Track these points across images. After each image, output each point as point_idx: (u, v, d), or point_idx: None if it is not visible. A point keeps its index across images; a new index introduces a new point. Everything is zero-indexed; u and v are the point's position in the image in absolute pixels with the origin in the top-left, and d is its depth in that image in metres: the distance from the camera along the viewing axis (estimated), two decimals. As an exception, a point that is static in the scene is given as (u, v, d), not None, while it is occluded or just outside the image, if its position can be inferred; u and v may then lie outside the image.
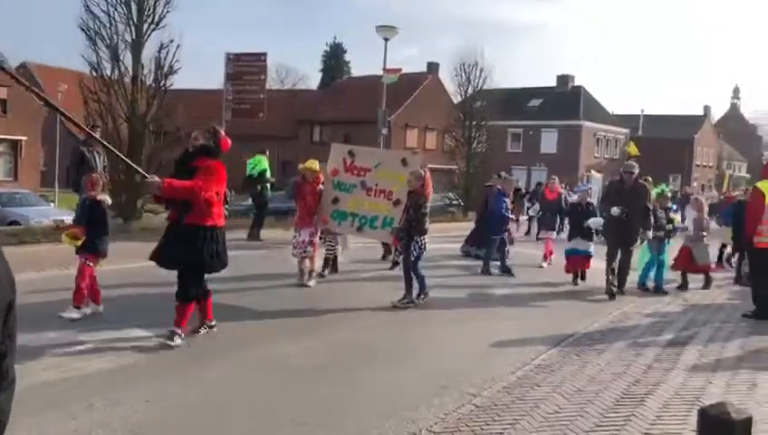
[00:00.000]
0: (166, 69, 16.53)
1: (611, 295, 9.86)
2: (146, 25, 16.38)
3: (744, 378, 6.09)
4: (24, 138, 36.32)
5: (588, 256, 11.25)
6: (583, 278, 11.37)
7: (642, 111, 59.86)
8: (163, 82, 16.66)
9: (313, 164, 10.06)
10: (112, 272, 9.34)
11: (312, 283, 9.84)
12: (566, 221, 13.78)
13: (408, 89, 40.76)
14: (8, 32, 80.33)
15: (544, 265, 13.20)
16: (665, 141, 54.08)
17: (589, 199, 11.95)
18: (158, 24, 16.42)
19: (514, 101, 49.60)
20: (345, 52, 62.60)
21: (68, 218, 18.32)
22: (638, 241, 10.35)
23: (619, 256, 10.17)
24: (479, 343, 7.07)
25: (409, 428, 4.68)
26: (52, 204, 25.41)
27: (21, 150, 36.72)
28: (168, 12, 16.45)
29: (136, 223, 15.93)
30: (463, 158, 37.41)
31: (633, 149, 25.32)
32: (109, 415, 4.66)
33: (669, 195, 12.01)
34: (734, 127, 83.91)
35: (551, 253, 13.46)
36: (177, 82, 17.22)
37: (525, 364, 6.34)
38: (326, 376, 5.82)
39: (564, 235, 13.16)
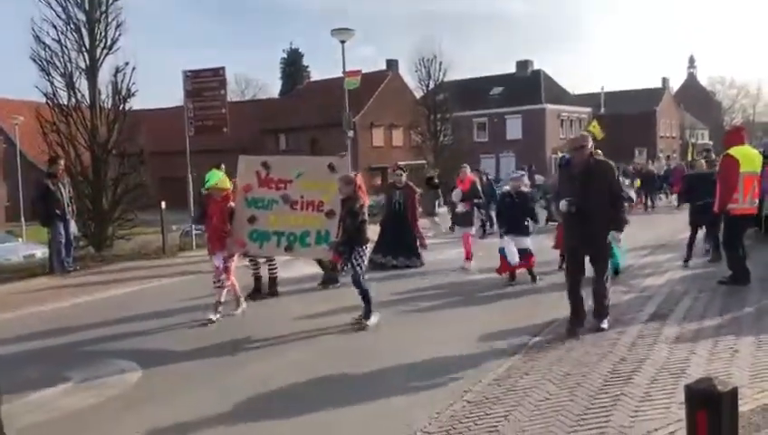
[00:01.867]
0: (124, 92, 16.34)
1: (572, 333, 6.89)
2: (99, 50, 16.17)
3: (725, 345, 6.19)
4: (-17, 174, 35.59)
5: (526, 254, 10.04)
6: (533, 278, 10.18)
7: (603, 88, 60.61)
8: (122, 106, 16.46)
9: (222, 182, 8.93)
10: (87, 304, 9.20)
11: (240, 310, 8.69)
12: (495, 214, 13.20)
13: (369, 88, 40.76)
14: (-42, 68, 78.61)
15: (467, 266, 11.62)
16: (628, 117, 54.84)
17: (524, 188, 10.55)
18: (110, 48, 16.23)
19: (477, 91, 49.98)
20: (303, 57, 62.43)
21: (39, 252, 18.02)
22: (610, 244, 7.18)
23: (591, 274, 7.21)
24: (464, 340, 7.09)
25: (404, 430, 4.68)
26: (20, 239, 24.95)
27: (-18, 187, 35.98)
28: (120, 35, 16.27)
29: (108, 251, 15.72)
30: (431, 152, 37.62)
31: (596, 130, 25.45)
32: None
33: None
34: (694, 96, 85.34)
35: (468, 254, 11.83)
36: (138, 102, 17.05)
37: (513, 354, 6.38)
38: (315, 386, 5.80)
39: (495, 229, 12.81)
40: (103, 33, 16.16)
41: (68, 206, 12.83)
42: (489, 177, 19.40)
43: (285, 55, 62.90)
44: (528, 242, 10.05)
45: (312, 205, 8.40)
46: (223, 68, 17.09)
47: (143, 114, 26.13)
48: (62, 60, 15.83)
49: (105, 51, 16.24)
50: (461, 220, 12.42)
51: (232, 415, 5.22)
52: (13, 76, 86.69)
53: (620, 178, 9.07)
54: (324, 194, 8.34)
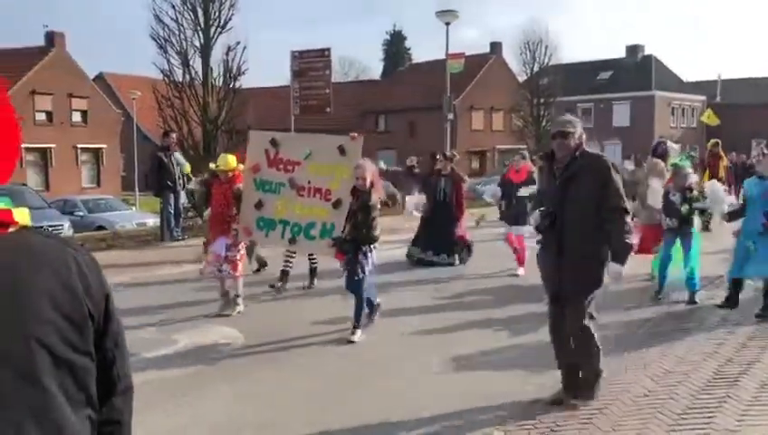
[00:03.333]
0: (234, 71, 16.99)
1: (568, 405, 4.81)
2: (213, 29, 16.85)
3: None
4: (104, 146, 37.97)
5: None
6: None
7: (719, 75, 57.16)
8: (232, 84, 17.12)
9: (228, 161, 7.87)
10: (193, 271, 9.64)
11: (237, 310, 7.63)
12: None
13: (471, 71, 40.24)
14: (84, 44, 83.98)
15: (519, 272, 9.75)
16: (746, 106, 51.50)
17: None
18: (224, 28, 16.91)
19: (583, 75, 48.38)
20: (405, 39, 62.37)
21: (150, 221, 19.10)
22: (603, 282, 4.70)
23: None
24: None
25: (494, 421, 4.67)
26: (133, 207, 26.50)
27: (102, 158, 38.42)
28: (232, 15, 16.92)
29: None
30: (532, 137, 36.89)
31: (711, 117, 23.94)
32: (198, 412, 4.87)
33: (689, 170, 8.14)
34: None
35: (521, 259, 9.87)
36: (246, 82, 17.65)
37: (611, 347, 6.21)
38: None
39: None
40: (217, 13, 16.86)
41: (179, 178, 13.48)
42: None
43: (388, 37, 63.09)
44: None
45: (319, 192, 7.42)
46: (329, 49, 17.41)
47: (250, 92, 27.05)
48: (178, 38, 16.66)
49: (218, 30, 16.93)
50: (513, 218, 9.98)
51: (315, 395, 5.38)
52: (132, 53, 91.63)
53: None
54: (332, 181, 7.33)
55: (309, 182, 7.44)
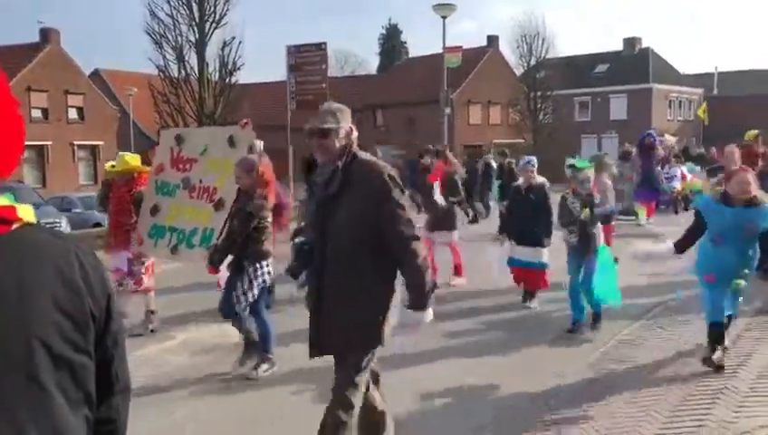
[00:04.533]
0: (230, 66, 16.98)
1: None
2: (208, 24, 16.83)
3: (843, 344, 5.80)
4: (101, 143, 37.90)
5: (540, 269, 7.55)
6: (524, 298, 7.73)
7: (716, 68, 57.16)
8: (228, 79, 17.11)
9: (125, 161, 6.96)
10: (193, 268, 9.64)
11: (150, 328, 6.91)
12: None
13: (468, 65, 40.18)
14: (79, 40, 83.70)
15: (455, 282, 8.79)
16: (743, 99, 51.52)
17: (538, 180, 7.69)
18: (219, 23, 16.88)
19: (580, 69, 48.29)
20: (401, 33, 62.28)
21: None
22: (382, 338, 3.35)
23: None
24: (555, 327, 6.97)
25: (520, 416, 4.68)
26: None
27: (99, 155, 38.36)
28: (227, 10, 16.90)
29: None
30: (529, 131, 36.89)
31: (703, 113, 24.00)
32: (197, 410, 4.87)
33: (590, 174, 6.80)
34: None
35: (458, 268, 8.88)
36: (242, 77, 17.62)
37: (608, 340, 6.23)
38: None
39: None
40: (212, 8, 16.83)
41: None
42: (504, 162, 14.02)
43: (384, 31, 63.00)
44: (542, 255, 7.46)
45: (206, 192, 6.31)
46: (324, 43, 17.39)
47: (247, 88, 26.97)
48: (173, 34, 16.64)
49: (213, 25, 16.90)
50: (431, 223, 8.76)
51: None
52: (127, 49, 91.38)
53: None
54: (219, 178, 6.19)
55: (200, 181, 6.36)
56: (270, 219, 5.58)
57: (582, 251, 6.47)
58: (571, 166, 6.76)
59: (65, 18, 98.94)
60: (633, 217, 13.98)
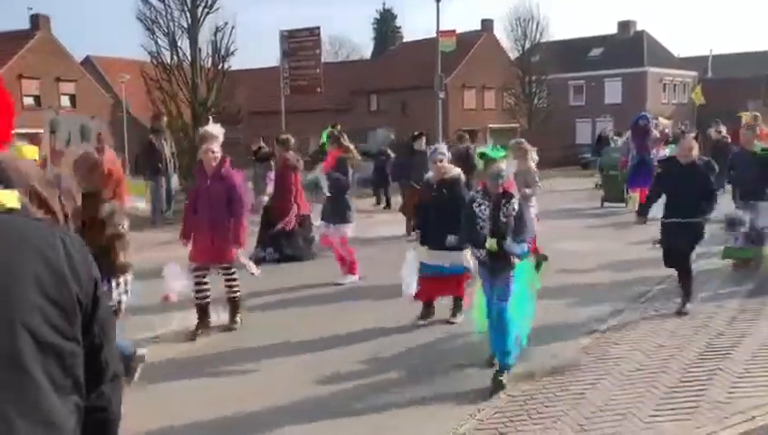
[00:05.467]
0: (223, 51, 16.86)
1: None
2: (200, 9, 16.69)
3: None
4: (94, 130, 37.71)
5: (458, 277, 6.33)
6: (453, 313, 6.44)
7: (711, 51, 57.08)
8: (221, 65, 17.00)
9: (22, 153, 5.83)
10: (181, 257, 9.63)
11: None
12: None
13: (462, 49, 39.96)
14: (70, 26, 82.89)
15: (345, 281, 8.12)
16: (737, 81, 51.46)
17: (453, 174, 6.45)
18: (211, 8, 16.75)
19: (574, 52, 48.14)
20: (395, 17, 61.89)
21: (139, 205, 18.95)
22: None
23: None
24: (551, 312, 6.98)
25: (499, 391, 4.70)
26: (125, 191, 26.29)
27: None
28: (220, -5, 16.73)
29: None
30: (524, 115, 36.83)
31: (698, 96, 23.95)
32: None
33: (503, 165, 5.00)
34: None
35: (345, 262, 8.22)
36: (235, 62, 17.56)
37: (603, 322, 6.25)
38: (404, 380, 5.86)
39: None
40: (204, -7, 16.68)
41: (169, 160, 13.40)
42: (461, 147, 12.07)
43: (378, 16, 62.61)
44: (461, 259, 6.15)
45: None
46: (318, 27, 17.29)
47: (241, 74, 26.78)
48: (165, 19, 16.49)
49: (206, 10, 16.76)
50: (327, 215, 8.22)
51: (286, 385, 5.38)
52: (120, 36, 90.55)
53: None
54: None
55: None
56: (126, 226, 4.63)
57: (495, 269, 4.91)
58: (482, 155, 5.09)
59: (55, 4, 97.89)
60: (623, 205, 13.64)
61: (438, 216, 6.18)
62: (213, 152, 6.01)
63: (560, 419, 4.23)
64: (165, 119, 14.42)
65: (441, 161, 6.42)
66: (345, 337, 6.02)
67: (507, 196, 4.94)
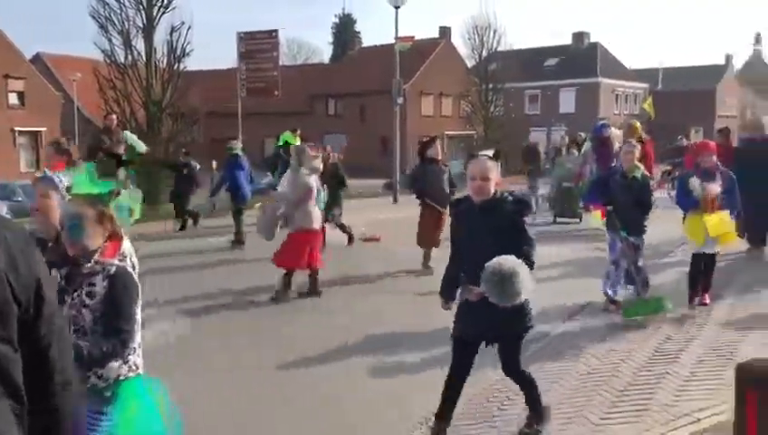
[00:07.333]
0: (179, 52, 16.61)
1: None
2: (156, 9, 16.40)
3: (777, 330, 6.02)
4: (43, 129, 36.63)
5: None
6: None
7: (661, 63, 58.74)
8: (177, 65, 16.74)
9: None
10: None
11: None
12: None
13: (420, 56, 40.33)
14: (20, 23, 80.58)
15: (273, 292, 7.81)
16: (685, 94, 53.07)
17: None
18: (167, 8, 16.47)
19: (530, 62, 48.96)
20: (355, 22, 61.95)
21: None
22: None
23: None
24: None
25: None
26: (75, 193, 25.64)
27: (41, 141, 37.07)
28: (176, -6, 16.47)
29: (157, 209, 16.08)
30: (480, 123, 37.21)
31: (650, 107, 24.52)
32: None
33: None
34: (759, 73, 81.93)
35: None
36: (191, 63, 17.30)
37: (557, 327, 6.33)
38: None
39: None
40: (160, -8, 16.40)
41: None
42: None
43: (337, 20, 62.58)
44: None
45: None
46: (276, 30, 17.18)
47: (198, 75, 26.38)
48: (119, 17, 16.16)
49: (162, 9, 16.48)
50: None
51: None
52: (72, 33, 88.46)
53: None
54: None
55: None
56: None
57: None
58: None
59: (3, 0, 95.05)
60: (577, 220, 13.31)
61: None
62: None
63: (512, 422, 4.25)
64: (114, 117, 14.10)
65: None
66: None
67: None
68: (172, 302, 7.33)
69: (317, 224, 7.78)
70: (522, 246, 3.61)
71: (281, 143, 12.79)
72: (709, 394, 4.55)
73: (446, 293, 4.02)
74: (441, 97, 46.15)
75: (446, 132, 41.20)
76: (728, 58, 64.07)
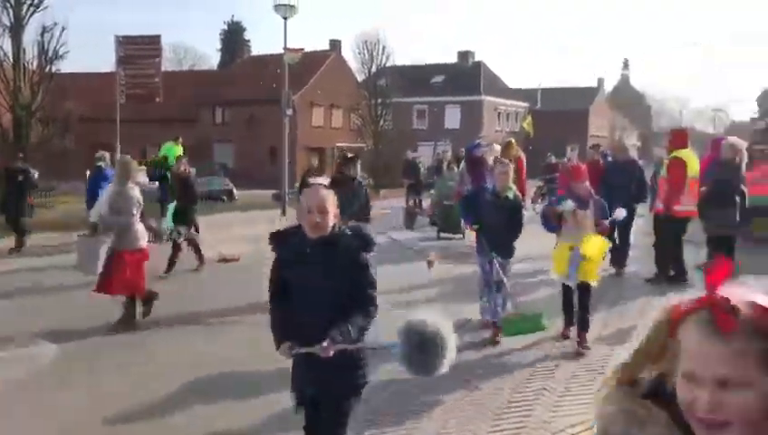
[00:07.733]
0: (51, 53, 15.59)
1: None
2: (25, 7, 15.35)
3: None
4: None
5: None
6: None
7: (540, 84, 61.79)
8: (48, 68, 15.72)
9: None
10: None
11: None
12: None
13: (311, 67, 40.21)
14: None
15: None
16: (562, 114, 56.10)
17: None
18: (38, 7, 15.44)
19: (418, 78, 50.11)
20: (245, 30, 60.97)
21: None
22: None
23: None
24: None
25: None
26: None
27: None
28: (48, -8, 15.50)
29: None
30: (371, 136, 37.55)
31: (529, 125, 25.68)
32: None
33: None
34: (626, 97, 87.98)
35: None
36: (69, 65, 16.31)
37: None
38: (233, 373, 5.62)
39: None
40: (30, -10, 15.38)
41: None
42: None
43: (226, 27, 61.35)
44: None
45: None
46: (158, 36, 16.51)
47: (73, 78, 24.98)
48: (-16, 15, 14.98)
49: (32, 8, 15.44)
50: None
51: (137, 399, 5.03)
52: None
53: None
54: None
55: None
56: None
57: None
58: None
59: None
60: (460, 236, 13.43)
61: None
62: None
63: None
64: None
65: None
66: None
67: None
68: None
69: (144, 241, 7.29)
70: (365, 289, 3.03)
71: (162, 154, 12.22)
72: (582, 408, 4.73)
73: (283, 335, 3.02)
74: (332, 108, 46.20)
75: (337, 144, 41.30)
76: (600, 82, 68.33)
